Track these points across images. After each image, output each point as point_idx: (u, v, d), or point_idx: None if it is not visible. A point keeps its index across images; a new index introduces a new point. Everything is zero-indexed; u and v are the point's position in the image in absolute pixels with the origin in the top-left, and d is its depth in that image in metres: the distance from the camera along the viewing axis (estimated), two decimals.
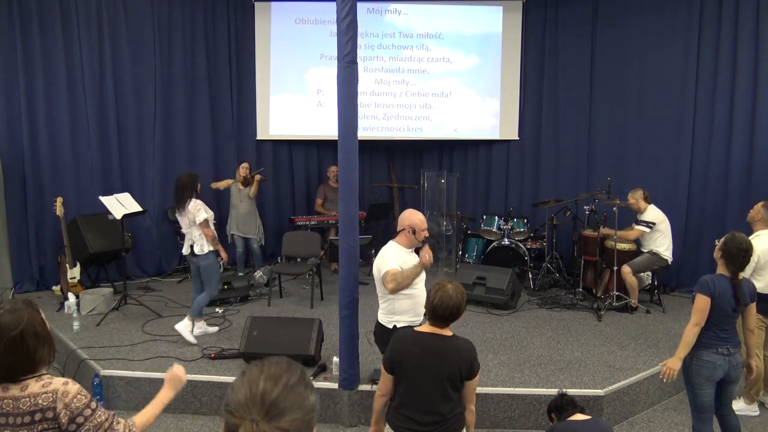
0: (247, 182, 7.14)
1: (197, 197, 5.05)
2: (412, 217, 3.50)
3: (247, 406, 1.05)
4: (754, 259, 4.30)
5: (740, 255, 3.15)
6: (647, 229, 5.85)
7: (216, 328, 5.41)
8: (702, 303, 3.14)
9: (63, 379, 1.86)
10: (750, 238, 4.14)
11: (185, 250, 5.16)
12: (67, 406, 1.79)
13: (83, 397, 1.83)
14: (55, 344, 1.94)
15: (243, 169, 7.14)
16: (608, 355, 4.76)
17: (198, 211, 4.94)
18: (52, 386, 1.82)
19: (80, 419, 1.80)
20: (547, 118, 7.89)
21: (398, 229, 3.54)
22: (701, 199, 6.71)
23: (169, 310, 5.95)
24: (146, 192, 7.33)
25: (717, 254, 3.29)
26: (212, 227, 5.09)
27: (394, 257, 3.43)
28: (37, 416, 1.78)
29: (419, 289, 3.49)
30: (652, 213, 5.91)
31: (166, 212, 7.46)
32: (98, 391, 4.23)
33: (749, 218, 4.39)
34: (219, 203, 7.89)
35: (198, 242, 5.02)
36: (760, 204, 4.31)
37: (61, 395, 1.80)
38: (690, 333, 3.16)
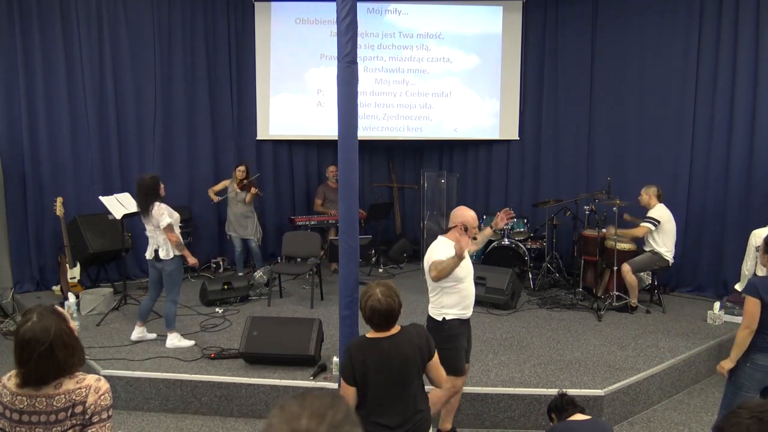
0: (243, 186, 7.11)
1: (161, 200, 4.86)
2: (465, 214, 3.59)
3: None
4: None
5: None
6: (652, 226, 5.83)
7: (154, 335, 5.14)
8: (751, 305, 3.11)
9: (95, 376, 1.89)
10: None
11: (149, 255, 4.93)
12: (95, 401, 1.83)
13: (109, 398, 1.87)
14: (83, 347, 1.94)
15: (239, 173, 7.10)
16: (608, 355, 4.76)
17: (161, 215, 4.75)
18: (86, 382, 1.85)
19: (96, 418, 1.82)
20: (547, 118, 7.89)
21: (450, 226, 3.63)
22: (701, 199, 6.71)
23: None
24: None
25: (763, 259, 3.25)
26: (177, 231, 4.86)
27: (442, 249, 3.49)
28: (69, 411, 1.80)
29: (467, 284, 3.55)
30: (659, 211, 5.89)
31: None
32: None
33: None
34: (219, 203, 7.90)
35: (163, 246, 4.83)
36: None
37: (93, 390, 1.83)
38: (741, 336, 3.15)
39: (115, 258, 6.76)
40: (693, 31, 6.63)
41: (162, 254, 4.84)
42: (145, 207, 4.84)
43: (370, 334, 2.66)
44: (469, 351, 3.77)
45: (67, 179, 6.83)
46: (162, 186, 4.95)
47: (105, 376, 4.24)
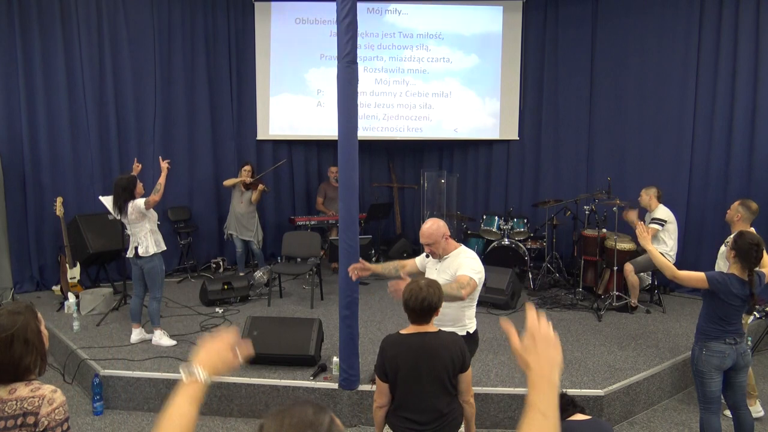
0: (248, 186, 7.10)
1: (133, 199, 4.87)
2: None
3: None
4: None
5: (752, 250, 3.20)
6: (660, 227, 5.83)
7: (149, 336, 5.11)
8: (698, 281, 3.28)
9: (51, 387, 1.84)
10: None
11: (129, 253, 4.96)
12: (48, 414, 1.77)
13: (63, 412, 1.81)
14: (47, 356, 1.91)
15: (245, 173, 7.11)
16: (608, 355, 4.76)
17: (136, 205, 4.82)
18: (40, 392, 1.80)
19: None
20: (547, 118, 7.89)
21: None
22: (701, 198, 6.71)
23: (169, 310, 5.95)
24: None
25: (729, 254, 3.34)
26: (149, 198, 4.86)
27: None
28: (20, 420, 1.75)
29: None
30: (663, 211, 5.90)
31: (166, 212, 7.46)
32: (98, 391, 4.23)
33: (727, 218, 4.38)
34: (219, 200, 7.91)
35: (143, 243, 4.86)
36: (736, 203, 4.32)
37: (47, 401, 1.78)
38: (666, 267, 3.37)
39: (115, 258, 6.76)
40: (693, 30, 6.63)
41: (141, 251, 4.87)
42: (120, 206, 4.88)
43: (405, 330, 2.70)
44: None
45: (67, 179, 6.84)
46: (140, 185, 4.97)
47: (105, 376, 4.28)
